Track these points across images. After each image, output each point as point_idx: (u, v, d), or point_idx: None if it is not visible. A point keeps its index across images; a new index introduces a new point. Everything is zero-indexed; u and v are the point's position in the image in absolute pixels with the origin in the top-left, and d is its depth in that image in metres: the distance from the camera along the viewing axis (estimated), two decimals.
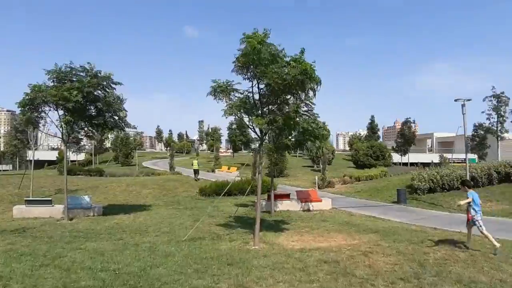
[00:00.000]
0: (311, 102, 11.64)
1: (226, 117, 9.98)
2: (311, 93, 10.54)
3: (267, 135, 11.19)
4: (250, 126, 10.69)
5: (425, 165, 44.95)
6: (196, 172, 32.22)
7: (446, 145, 68.31)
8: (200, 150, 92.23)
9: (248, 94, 10.30)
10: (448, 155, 48.02)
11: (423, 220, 15.89)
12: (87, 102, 13.66)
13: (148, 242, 10.06)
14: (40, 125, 14.09)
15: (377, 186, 30.46)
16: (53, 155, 69.16)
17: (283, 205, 17.80)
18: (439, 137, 77.52)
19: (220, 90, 10.00)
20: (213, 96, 10.17)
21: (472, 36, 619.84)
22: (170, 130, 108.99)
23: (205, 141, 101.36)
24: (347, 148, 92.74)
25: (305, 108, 11.65)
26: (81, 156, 68.84)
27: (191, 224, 13.57)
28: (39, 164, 57.92)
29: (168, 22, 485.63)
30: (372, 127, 57.86)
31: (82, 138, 15.19)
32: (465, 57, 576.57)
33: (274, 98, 10.26)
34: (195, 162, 33.48)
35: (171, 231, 12.26)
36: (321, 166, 28.26)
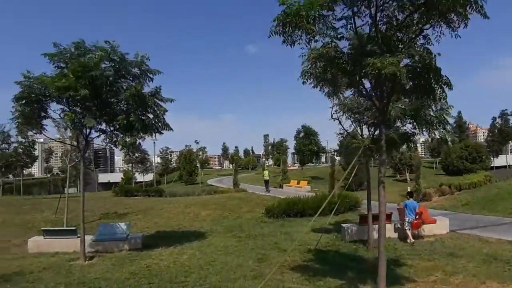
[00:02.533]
0: None
1: (305, 82, 5.25)
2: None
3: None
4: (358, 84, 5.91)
5: None
6: (266, 182, 32.18)
7: None
8: (266, 166, 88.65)
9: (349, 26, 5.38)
10: None
11: None
12: (108, 95, 9.98)
13: None
14: (46, 127, 10.26)
15: (487, 196, 23.62)
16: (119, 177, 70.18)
17: None
18: None
19: (297, 18, 5.01)
20: (280, 33, 5.27)
21: None
22: (236, 147, 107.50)
23: (270, 156, 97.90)
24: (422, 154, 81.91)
25: None
26: (149, 177, 69.03)
27: (253, 268, 9.08)
28: (107, 187, 58.14)
29: (231, 42, 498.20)
30: (460, 125, 48.61)
31: (108, 146, 10.96)
32: None
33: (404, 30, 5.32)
34: (266, 172, 33.66)
35: (221, 284, 7.82)
36: (415, 173, 22.31)
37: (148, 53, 10.36)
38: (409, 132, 10.21)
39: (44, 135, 10.43)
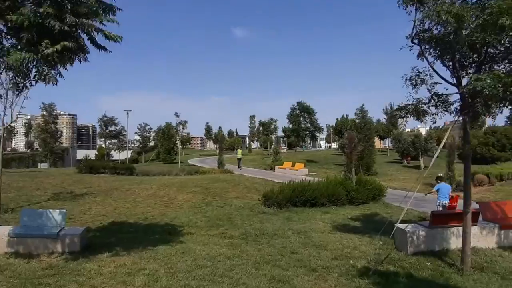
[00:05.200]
0: None
1: None
2: None
3: None
4: None
5: None
6: (239, 160, 32.00)
7: None
8: (252, 148, 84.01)
9: None
10: None
11: None
12: None
13: None
14: None
15: None
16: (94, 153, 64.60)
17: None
18: None
19: None
20: None
21: None
22: (219, 127, 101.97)
23: (256, 138, 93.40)
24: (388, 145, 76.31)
25: None
26: (125, 155, 63.94)
27: None
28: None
29: (217, 25, 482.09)
30: None
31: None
32: None
33: None
34: (239, 151, 34.42)
35: None
36: (448, 157, 18.01)
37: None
38: None
39: None
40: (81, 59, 6.12)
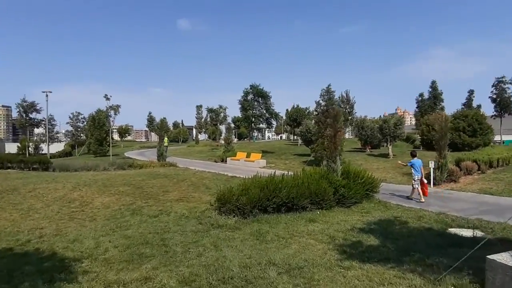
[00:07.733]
0: None
1: None
2: None
3: None
4: None
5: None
6: (165, 148, 27.88)
7: None
8: (200, 140, 78.57)
9: None
10: None
11: None
12: None
13: None
14: None
15: None
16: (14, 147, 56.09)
17: None
18: None
19: None
20: None
21: (471, 20, 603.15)
22: (164, 118, 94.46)
23: (204, 129, 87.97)
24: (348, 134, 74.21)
25: None
26: (58, 147, 56.39)
27: None
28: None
29: (161, 16, 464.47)
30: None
31: None
32: (462, 41, 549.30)
33: None
34: (166, 139, 30.46)
35: None
36: (439, 142, 14.67)
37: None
38: None
39: None
40: None
